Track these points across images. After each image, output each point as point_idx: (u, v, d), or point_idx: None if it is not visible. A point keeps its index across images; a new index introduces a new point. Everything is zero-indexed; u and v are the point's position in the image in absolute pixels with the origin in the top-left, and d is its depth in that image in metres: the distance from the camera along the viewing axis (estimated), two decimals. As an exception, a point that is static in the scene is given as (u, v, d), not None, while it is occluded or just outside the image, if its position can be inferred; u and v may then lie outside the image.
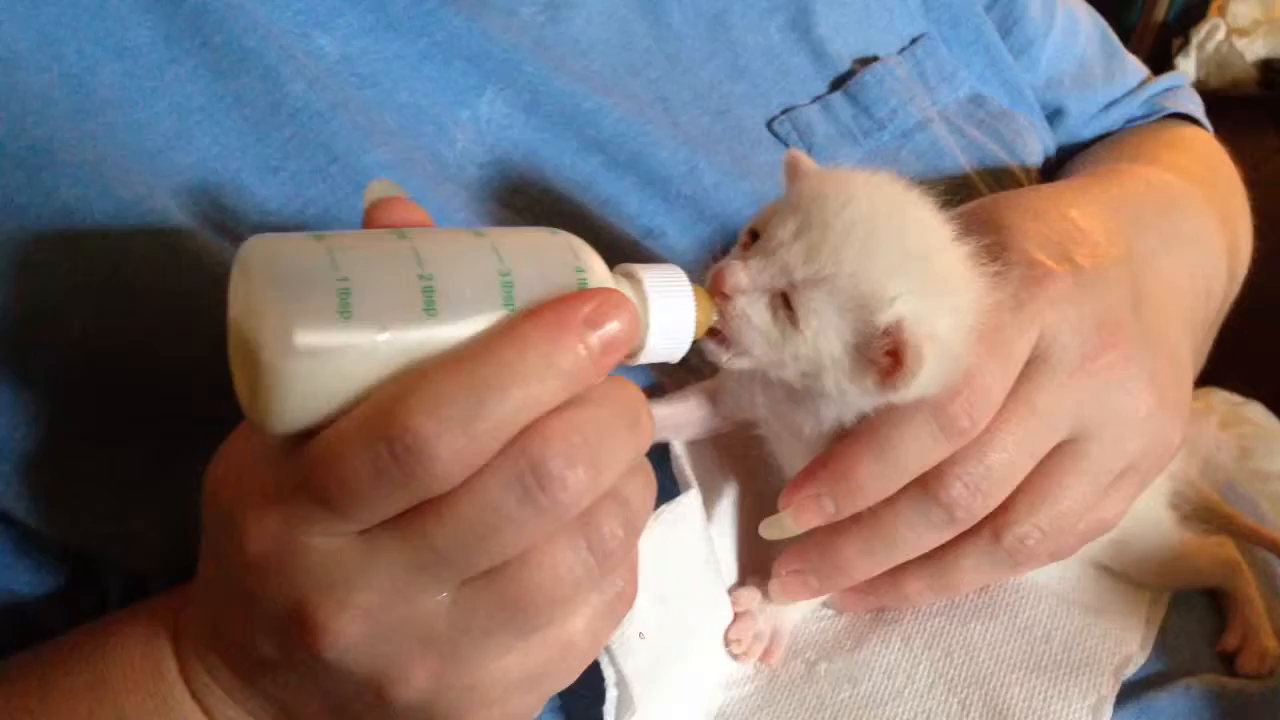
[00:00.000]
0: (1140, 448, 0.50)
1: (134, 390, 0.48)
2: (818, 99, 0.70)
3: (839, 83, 0.71)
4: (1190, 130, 0.86)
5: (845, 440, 0.47)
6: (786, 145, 0.67)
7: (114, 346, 0.47)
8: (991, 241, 0.50)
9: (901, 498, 0.47)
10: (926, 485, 0.47)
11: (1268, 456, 1.12)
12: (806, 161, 0.50)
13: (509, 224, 0.58)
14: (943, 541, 0.48)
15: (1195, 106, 0.88)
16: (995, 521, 0.48)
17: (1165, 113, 0.86)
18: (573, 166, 0.60)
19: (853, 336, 0.45)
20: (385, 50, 0.57)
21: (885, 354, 0.44)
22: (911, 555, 0.49)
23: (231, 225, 0.51)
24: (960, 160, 0.71)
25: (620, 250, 0.59)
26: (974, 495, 0.46)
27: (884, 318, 0.44)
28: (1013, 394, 0.47)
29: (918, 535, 0.47)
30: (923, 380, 0.44)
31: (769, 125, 0.68)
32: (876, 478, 0.46)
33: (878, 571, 0.49)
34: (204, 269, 0.48)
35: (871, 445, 0.46)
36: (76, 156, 0.48)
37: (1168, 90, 0.88)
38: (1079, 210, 0.54)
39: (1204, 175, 0.76)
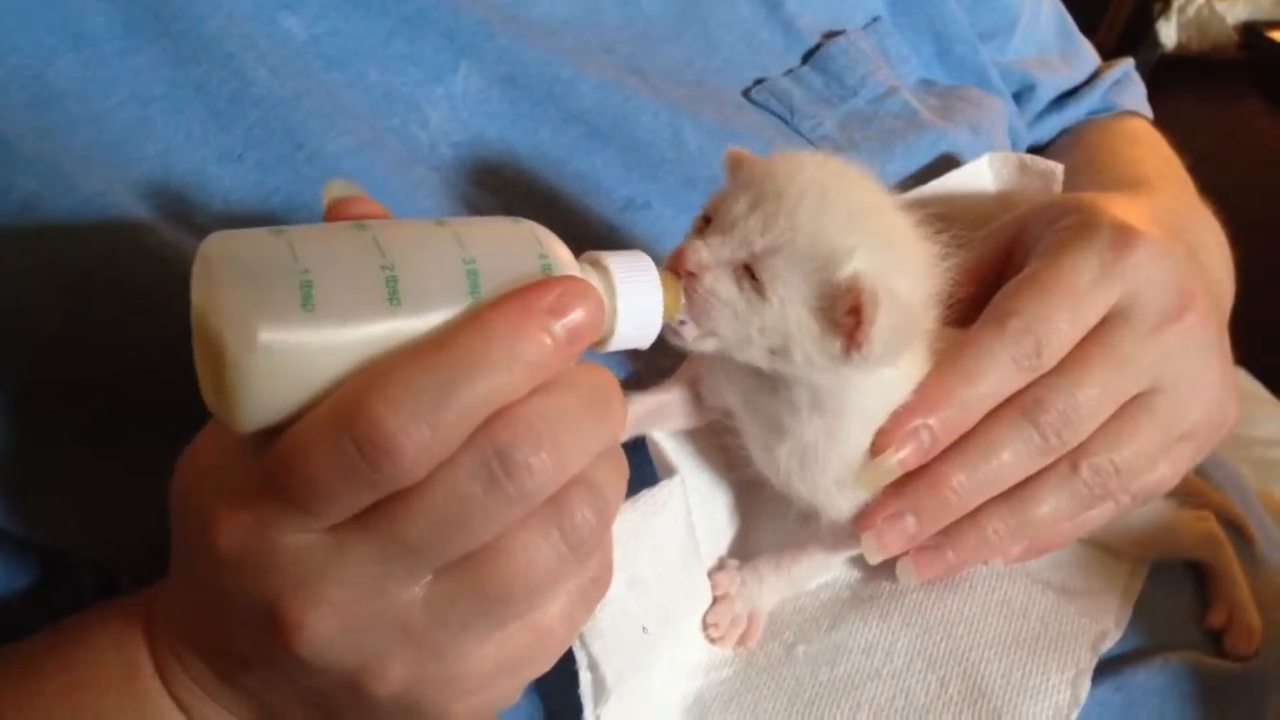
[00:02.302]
0: (1202, 413, 0.52)
1: (101, 388, 0.47)
2: (789, 72, 0.70)
3: (808, 57, 0.71)
4: (1139, 122, 0.90)
5: (930, 375, 0.49)
6: (767, 110, 0.67)
7: (78, 344, 0.47)
8: (1077, 219, 0.52)
9: (1000, 423, 0.49)
10: (1025, 411, 0.49)
11: (1249, 423, 1.13)
12: (748, 154, 0.50)
13: (483, 206, 0.57)
14: (1034, 470, 0.50)
15: (1142, 97, 0.93)
16: (1073, 454, 0.50)
17: (1121, 109, 0.90)
18: (552, 139, 0.60)
19: (818, 300, 0.45)
20: (355, 28, 0.57)
21: (848, 313, 0.44)
22: (1008, 482, 0.50)
23: (194, 215, 0.50)
24: (935, 121, 0.71)
25: (601, 224, 0.59)
26: (1065, 424, 0.49)
27: (843, 273, 0.44)
28: (1098, 340, 0.50)
29: (1016, 458, 0.49)
30: (886, 335, 0.44)
31: (745, 95, 0.68)
32: (970, 402, 0.48)
33: (977, 501, 0.50)
34: (166, 263, 0.47)
35: (959, 369, 0.48)
36: (34, 150, 0.47)
37: (1116, 83, 0.91)
38: (1125, 210, 0.55)
39: (1172, 173, 0.80)
